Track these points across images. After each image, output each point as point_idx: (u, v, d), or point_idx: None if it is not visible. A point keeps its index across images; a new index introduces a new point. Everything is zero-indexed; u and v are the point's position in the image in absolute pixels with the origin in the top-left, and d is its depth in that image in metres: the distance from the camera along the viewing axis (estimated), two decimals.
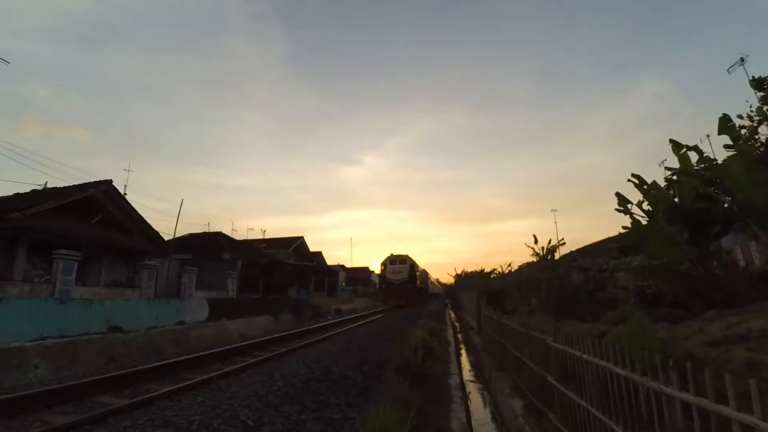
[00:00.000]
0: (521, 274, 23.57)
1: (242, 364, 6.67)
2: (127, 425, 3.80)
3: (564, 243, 27.51)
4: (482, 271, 50.43)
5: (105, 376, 5.70)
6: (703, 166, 6.74)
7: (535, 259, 27.42)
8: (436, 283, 67.94)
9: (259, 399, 4.50)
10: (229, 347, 8.46)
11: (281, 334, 10.91)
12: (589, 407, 2.95)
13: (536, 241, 27.57)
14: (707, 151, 6.82)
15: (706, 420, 1.82)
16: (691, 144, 6.58)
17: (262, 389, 4.87)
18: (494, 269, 44.36)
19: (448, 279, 73.05)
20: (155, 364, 6.56)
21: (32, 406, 4.45)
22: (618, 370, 2.53)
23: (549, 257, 26.17)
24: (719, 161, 6.80)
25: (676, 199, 6.74)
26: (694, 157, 6.66)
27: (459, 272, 60.81)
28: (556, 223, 72.27)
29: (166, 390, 5.03)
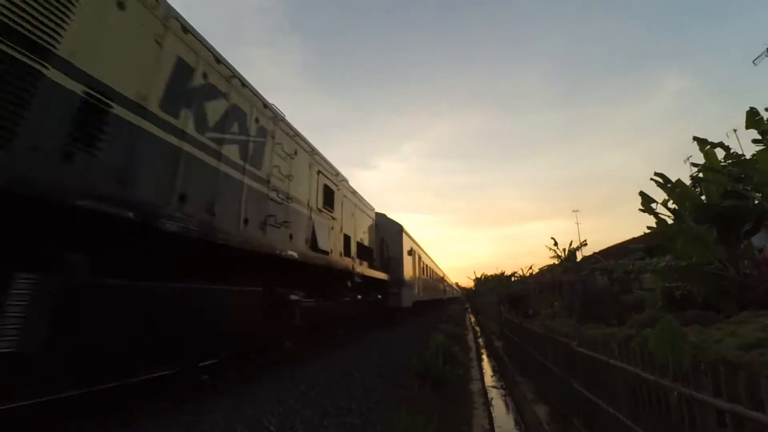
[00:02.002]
0: (543, 276, 23.18)
1: (263, 369, 6.73)
2: (154, 428, 3.87)
3: (586, 244, 27.01)
4: (503, 274, 49.90)
5: (134, 380, 5.83)
6: (730, 162, 6.53)
7: (556, 262, 26.98)
8: (455, 286, 66.99)
9: (281, 403, 4.54)
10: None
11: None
12: (617, 414, 2.88)
13: (556, 243, 27.14)
14: (734, 146, 6.58)
15: (741, 427, 1.75)
16: (717, 140, 6.40)
17: (284, 393, 4.91)
18: (515, 272, 43.86)
19: (468, 283, 72.45)
20: (176, 369, 6.68)
21: (61, 412, 4.58)
22: (647, 375, 2.46)
23: (570, 259, 25.71)
24: (747, 156, 6.57)
25: (703, 197, 6.54)
26: (720, 153, 6.46)
27: (479, 276, 60.33)
28: (577, 224, 70.88)
29: (191, 394, 5.12)
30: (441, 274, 34.35)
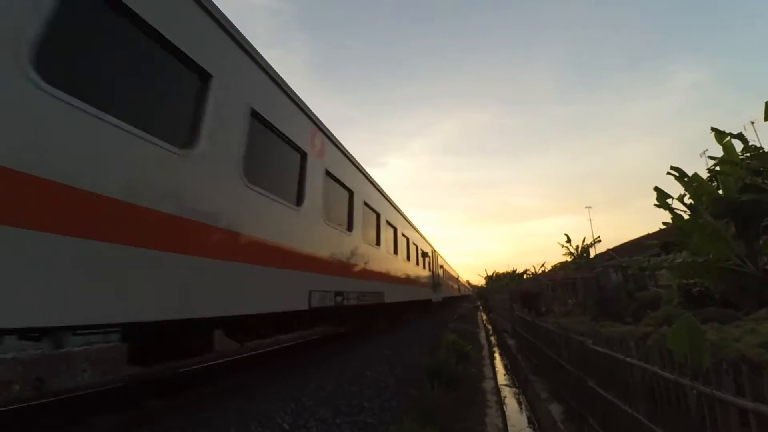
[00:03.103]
0: (555, 274, 22.96)
1: (274, 369, 6.79)
2: (170, 425, 3.92)
3: (599, 241, 26.74)
4: (514, 272, 49.63)
5: (147, 379, 5.93)
6: (748, 154, 6.37)
7: (568, 259, 26.75)
8: (466, 284, 66.67)
9: (294, 401, 4.56)
10: (259, 352, 8.62)
11: (316, 338, 11.07)
12: (635, 413, 2.82)
13: (568, 240, 26.93)
14: (752, 139, 6.43)
15: (765, 427, 1.70)
16: (734, 133, 6.25)
17: (297, 392, 4.93)
18: (526, 270, 43.59)
19: (479, 280, 72.15)
20: (192, 368, 6.78)
21: (80, 408, 4.68)
22: (666, 374, 2.40)
23: (584, 256, 25.46)
24: (766, 149, 6.41)
25: (720, 191, 6.40)
26: (738, 146, 6.31)
27: (490, 273, 60.05)
28: (590, 220, 69.91)
29: (206, 392, 5.19)
30: (429, 249, 18.23)
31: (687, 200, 6.61)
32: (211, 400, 4.93)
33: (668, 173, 6.51)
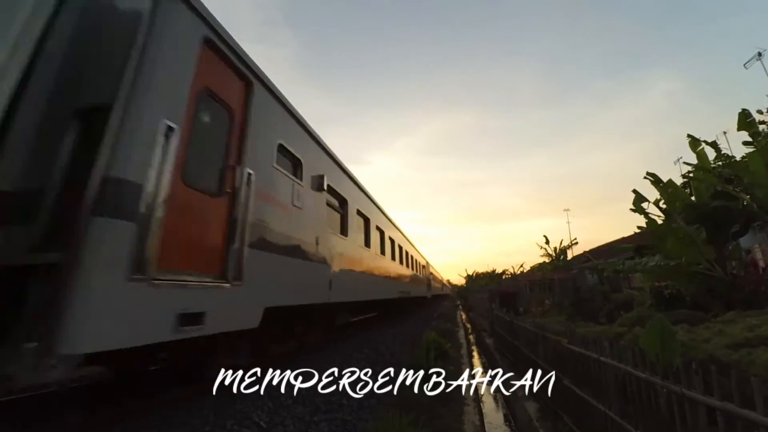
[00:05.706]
0: (533, 274, 23.35)
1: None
2: (145, 425, 3.82)
3: (576, 243, 27.41)
4: (493, 272, 50.28)
5: (121, 376, 5.76)
6: (721, 163, 6.60)
7: (546, 260, 27.28)
8: (447, 283, 67.25)
9: (271, 399, 4.51)
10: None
11: None
12: (607, 411, 2.89)
13: (547, 242, 27.51)
14: (725, 148, 6.67)
15: (732, 425, 1.76)
16: (708, 141, 6.46)
17: (274, 390, 4.89)
18: (505, 270, 44.23)
19: (459, 280, 72.83)
20: (165, 367, 6.62)
21: (50, 406, 4.52)
22: (638, 373, 2.47)
23: (561, 257, 26.00)
24: (737, 158, 6.65)
25: (693, 197, 6.61)
26: (711, 153, 6.53)
27: (470, 273, 60.66)
28: (568, 222, 71.53)
29: (183, 391, 5.07)
30: (424, 262, 17.44)
31: (662, 205, 6.82)
32: (188, 398, 4.84)
33: (645, 178, 6.70)
